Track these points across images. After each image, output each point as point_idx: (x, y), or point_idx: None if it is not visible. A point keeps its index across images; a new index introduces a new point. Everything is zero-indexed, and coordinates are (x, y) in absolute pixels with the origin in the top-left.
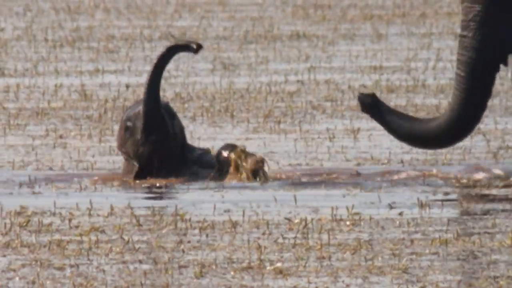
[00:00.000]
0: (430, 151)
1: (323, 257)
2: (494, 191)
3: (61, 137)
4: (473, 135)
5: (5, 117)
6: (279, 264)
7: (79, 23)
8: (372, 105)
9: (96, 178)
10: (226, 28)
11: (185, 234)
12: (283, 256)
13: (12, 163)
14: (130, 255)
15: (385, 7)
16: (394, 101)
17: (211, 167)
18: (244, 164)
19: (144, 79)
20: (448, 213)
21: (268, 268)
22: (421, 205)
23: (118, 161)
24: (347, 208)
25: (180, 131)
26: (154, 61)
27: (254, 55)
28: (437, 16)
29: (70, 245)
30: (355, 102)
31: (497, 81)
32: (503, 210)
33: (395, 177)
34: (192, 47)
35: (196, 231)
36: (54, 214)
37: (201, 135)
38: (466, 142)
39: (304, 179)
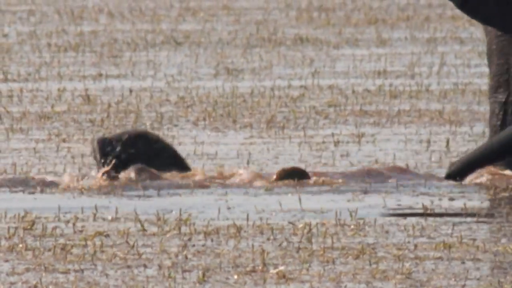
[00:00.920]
0: (434, 156)
1: (327, 261)
2: (500, 194)
3: (64, 141)
4: (477, 139)
5: (9, 121)
6: (282, 268)
7: (83, 28)
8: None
9: (99, 182)
10: (230, 32)
11: (189, 239)
12: (285, 261)
13: (15, 167)
14: (134, 259)
15: (389, 11)
16: (398, 107)
17: None
18: None
19: (147, 83)
20: (452, 217)
21: (271, 271)
22: (426, 209)
23: None
24: (350, 213)
25: None
26: None
27: (258, 59)
28: (441, 20)
29: (74, 250)
30: (358, 107)
31: None
32: (508, 214)
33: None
34: None
35: (201, 236)
36: (58, 218)
37: (204, 139)
38: (469, 145)
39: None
